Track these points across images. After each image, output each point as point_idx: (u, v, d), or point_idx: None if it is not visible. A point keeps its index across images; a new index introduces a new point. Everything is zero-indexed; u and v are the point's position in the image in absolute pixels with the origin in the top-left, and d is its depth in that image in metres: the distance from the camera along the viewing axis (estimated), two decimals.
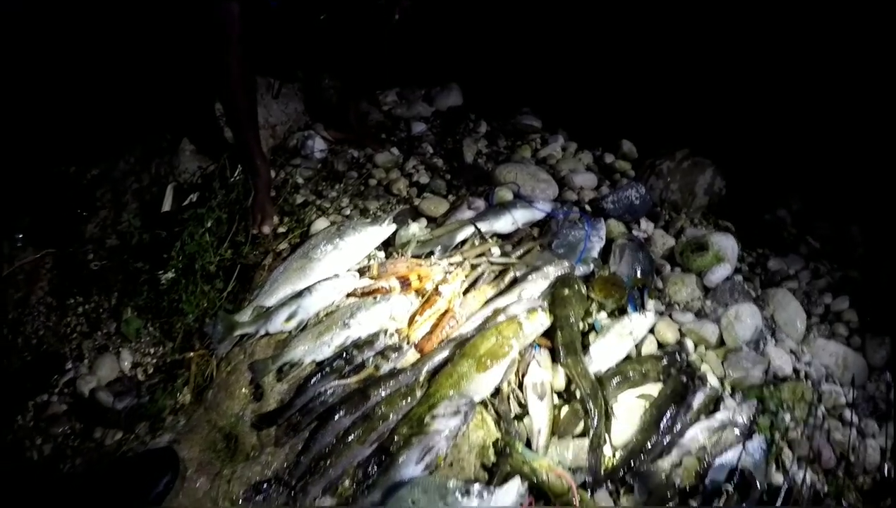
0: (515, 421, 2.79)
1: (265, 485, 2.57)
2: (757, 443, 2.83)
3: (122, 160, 4.37)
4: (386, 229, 3.49)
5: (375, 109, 5.10)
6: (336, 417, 2.71)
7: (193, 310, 3.32)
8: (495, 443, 2.69)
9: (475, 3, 5.32)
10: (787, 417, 3.04)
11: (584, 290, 3.27)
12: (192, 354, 3.14)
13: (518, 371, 2.92)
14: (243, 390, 2.94)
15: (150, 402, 3.02)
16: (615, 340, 3.09)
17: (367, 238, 3.44)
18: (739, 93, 4.66)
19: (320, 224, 3.69)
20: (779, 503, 2.56)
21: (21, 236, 3.93)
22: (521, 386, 2.88)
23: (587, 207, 4.05)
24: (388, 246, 3.59)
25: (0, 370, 3.34)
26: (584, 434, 2.75)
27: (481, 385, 2.78)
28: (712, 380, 3.12)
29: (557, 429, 2.76)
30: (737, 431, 2.86)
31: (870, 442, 3.03)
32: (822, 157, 4.28)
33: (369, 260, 3.46)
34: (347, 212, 3.89)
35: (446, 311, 3.11)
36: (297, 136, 4.52)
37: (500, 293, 3.24)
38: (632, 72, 5.02)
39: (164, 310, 3.41)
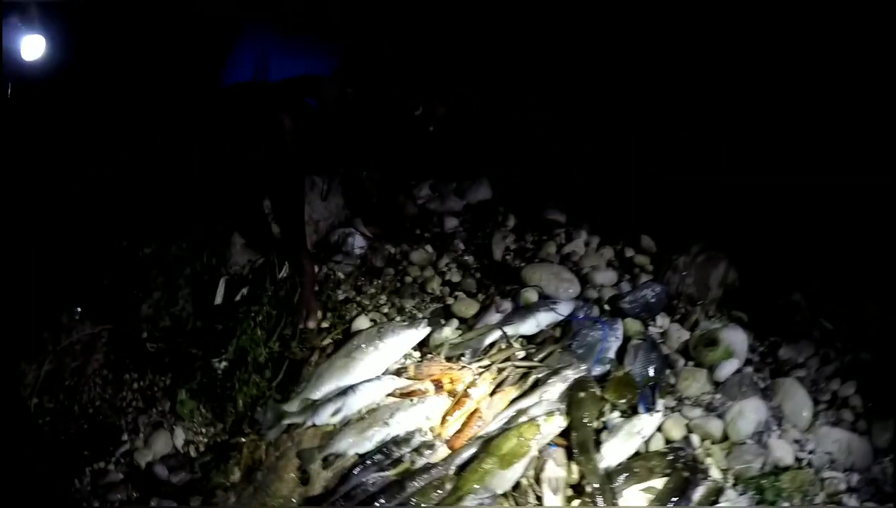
0: None
1: None
2: None
3: (175, 244, 4.69)
4: (421, 332, 3.86)
5: (410, 202, 5.40)
6: (377, 505, 3.05)
7: (245, 398, 3.65)
8: None
9: (504, 102, 5.51)
10: (786, 505, 3.25)
11: (598, 392, 3.57)
12: (244, 439, 3.48)
13: (536, 467, 3.23)
14: (291, 474, 3.29)
15: (204, 479, 3.37)
16: (624, 439, 3.38)
17: (404, 340, 3.80)
18: (752, 183, 4.75)
19: (361, 321, 4.07)
20: None
21: (79, 310, 4.20)
22: (538, 480, 3.19)
23: (606, 306, 4.35)
24: (423, 345, 3.94)
25: (58, 435, 3.60)
26: None
27: (503, 480, 3.12)
28: (715, 473, 3.36)
29: None
30: None
31: None
32: (838, 239, 4.35)
33: (406, 359, 3.82)
34: (385, 310, 4.24)
35: (475, 411, 3.46)
36: (338, 233, 4.89)
37: (523, 394, 3.58)
38: (647, 166, 5.17)
39: (216, 395, 3.75)
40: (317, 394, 3.62)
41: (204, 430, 3.72)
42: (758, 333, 4.32)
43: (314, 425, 3.50)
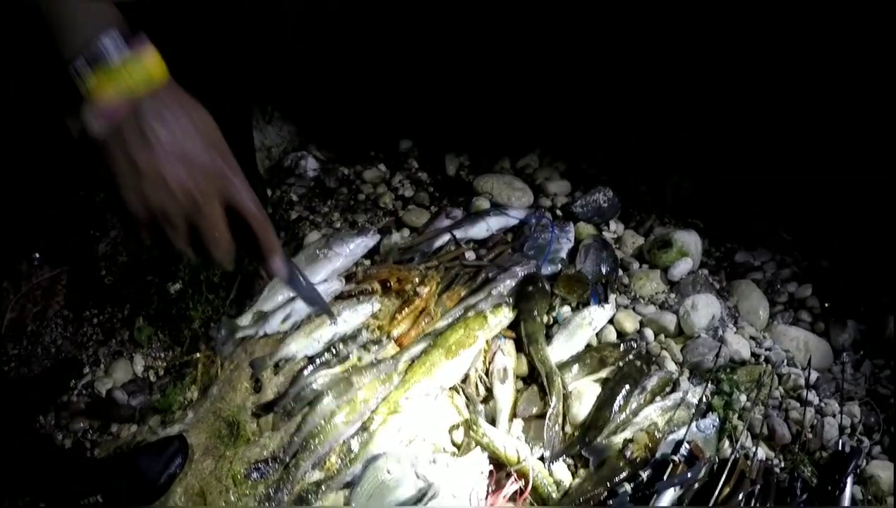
0: (481, 404, 3.10)
1: (263, 463, 2.90)
2: (709, 421, 3.07)
3: None
4: (370, 239, 3.80)
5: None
6: (324, 402, 3.04)
7: (199, 317, 3.62)
8: (463, 422, 3.01)
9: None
10: (743, 398, 3.27)
11: (547, 287, 3.56)
12: (198, 355, 3.47)
13: (485, 359, 3.23)
14: (245, 384, 3.26)
15: (162, 398, 3.33)
16: (575, 330, 3.38)
17: (353, 247, 3.74)
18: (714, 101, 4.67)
19: (313, 237, 4.02)
20: (724, 472, 2.75)
21: (38, 256, 4.15)
22: (487, 373, 3.19)
23: (559, 212, 4.34)
24: (373, 254, 3.91)
25: (23, 377, 3.58)
26: (542, 415, 3.03)
27: (450, 372, 3.11)
28: (670, 366, 3.39)
29: (518, 410, 3.06)
30: (690, 410, 3.09)
31: (829, 420, 3.23)
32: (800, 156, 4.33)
33: (356, 267, 3.76)
34: (338, 226, 4.20)
35: (423, 310, 3.43)
36: (290, 157, 4.82)
37: (472, 292, 3.55)
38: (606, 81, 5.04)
39: (172, 318, 3.70)
40: (268, 306, 3.56)
41: (162, 355, 3.67)
42: (713, 239, 4.36)
43: (266, 334, 3.46)
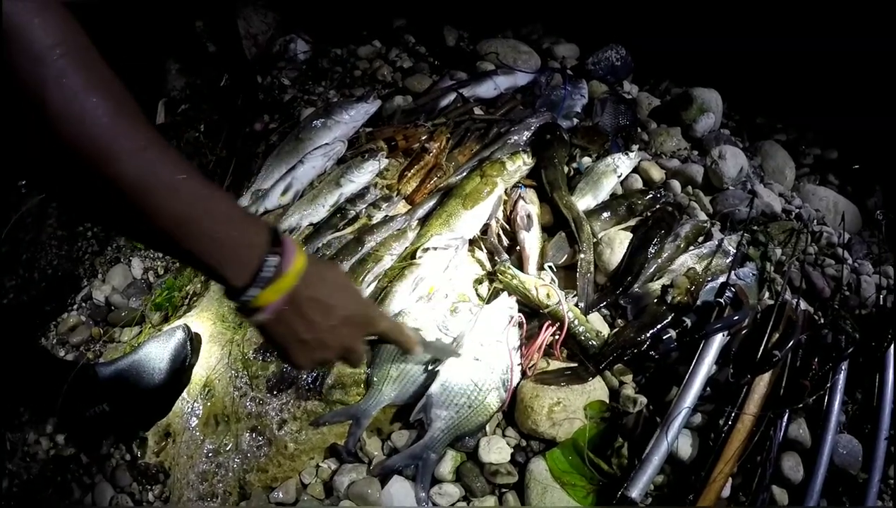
0: (505, 254, 2.84)
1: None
2: (748, 269, 2.89)
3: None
4: (371, 104, 3.56)
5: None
6: (336, 265, 2.77)
7: None
8: (488, 273, 2.77)
9: None
10: (779, 251, 3.10)
11: (566, 136, 3.32)
12: None
13: (506, 210, 2.98)
14: None
15: (162, 292, 3.12)
16: (599, 178, 3.15)
17: (354, 114, 3.50)
18: None
19: (309, 112, 3.73)
20: (772, 319, 2.55)
21: (24, 183, 3.96)
22: (509, 222, 2.94)
23: (570, 72, 4.09)
24: (376, 122, 3.65)
25: (21, 304, 3.39)
26: (573, 265, 2.80)
27: (469, 221, 2.86)
28: (701, 216, 3.18)
29: (546, 257, 2.80)
30: (727, 259, 2.89)
31: (865, 278, 3.10)
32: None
33: (359, 132, 3.52)
34: (337, 100, 3.93)
35: (434, 166, 3.18)
36: (278, 41, 4.54)
37: (486, 146, 3.30)
38: None
39: None
40: (268, 183, 3.35)
41: (161, 253, 3.46)
42: (733, 103, 4.16)
43: (266, 211, 3.21)
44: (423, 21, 4.77)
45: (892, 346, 2.65)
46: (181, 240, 1.15)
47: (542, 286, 2.55)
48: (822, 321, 2.85)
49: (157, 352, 2.62)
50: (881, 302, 2.88)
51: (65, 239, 3.59)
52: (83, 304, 3.27)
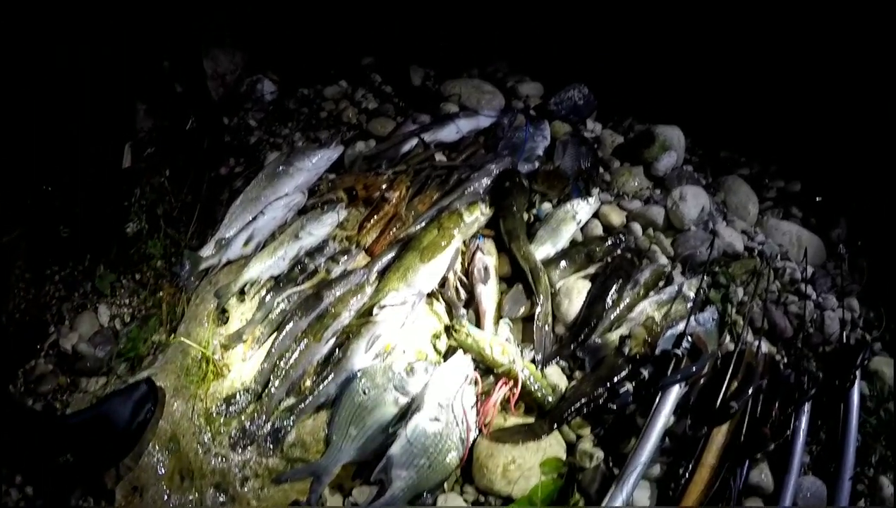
0: (463, 308, 2.85)
1: (235, 396, 2.68)
2: (708, 314, 2.91)
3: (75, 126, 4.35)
4: (334, 151, 3.54)
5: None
6: (293, 322, 2.81)
7: (160, 254, 3.40)
8: (444, 328, 2.77)
9: None
10: (740, 292, 3.11)
11: (525, 182, 3.33)
12: (161, 293, 3.22)
13: (464, 261, 2.99)
14: (211, 317, 3.01)
15: (127, 344, 3.10)
16: (558, 225, 3.15)
17: (316, 161, 3.48)
18: None
19: (274, 157, 3.73)
20: (731, 366, 2.58)
21: None
22: (467, 274, 2.94)
23: (532, 113, 4.09)
24: (338, 168, 3.65)
25: None
26: (531, 317, 2.81)
27: (427, 275, 2.87)
28: (662, 260, 3.19)
29: (503, 311, 2.81)
30: (687, 304, 2.90)
31: (828, 314, 3.10)
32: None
33: (321, 181, 3.51)
34: (300, 144, 3.93)
35: (393, 215, 3.18)
36: (245, 81, 4.53)
37: (446, 194, 3.30)
38: None
39: (133, 260, 3.48)
40: (231, 231, 3.33)
41: (127, 300, 3.45)
42: (696, 138, 4.15)
43: (229, 261, 3.21)
44: (391, 59, 4.77)
45: (856, 385, 2.67)
46: None
47: (497, 344, 2.55)
48: (786, 360, 2.89)
49: (119, 406, 2.62)
50: (844, 339, 2.89)
51: (32, 281, 3.56)
52: (50, 352, 3.24)
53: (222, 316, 3.02)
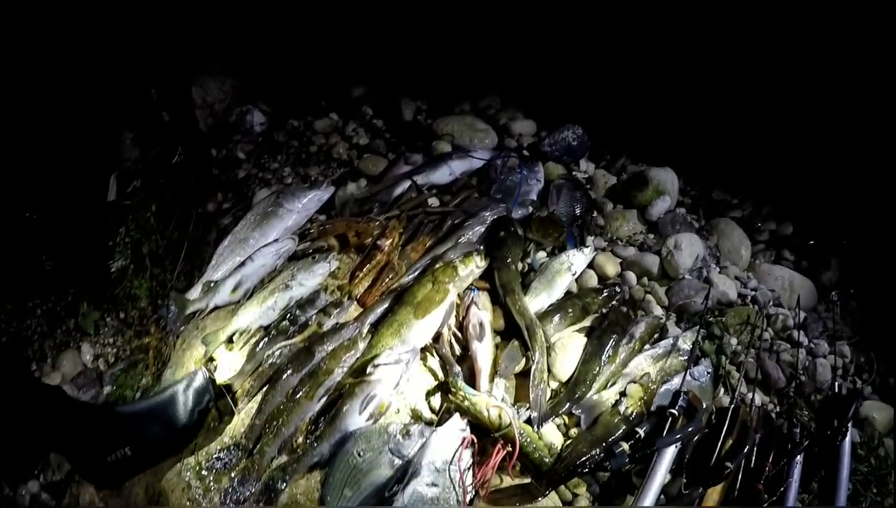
0: (458, 364, 2.79)
1: (225, 453, 2.61)
2: (703, 368, 2.88)
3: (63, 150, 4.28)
4: (324, 192, 3.49)
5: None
6: (284, 377, 2.75)
7: (146, 294, 3.34)
8: (439, 386, 2.72)
9: None
10: (734, 341, 3.10)
11: (520, 231, 3.28)
12: (147, 339, 3.16)
13: (458, 315, 2.94)
14: (198, 365, 2.93)
15: (114, 389, 3.06)
16: (553, 276, 3.11)
17: (306, 202, 3.43)
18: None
19: (262, 194, 3.68)
20: (726, 424, 2.58)
21: None
22: (462, 329, 2.89)
23: (525, 152, 4.05)
24: (329, 209, 3.60)
25: None
26: (526, 372, 2.76)
27: (421, 331, 2.81)
28: (656, 310, 3.17)
29: (499, 369, 2.77)
30: (682, 357, 2.88)
31: (820, 362, 3.10)
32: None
33: (310, 223, 3.45)
34: (289, 181, 3.90)
35: (386, 264, 3.14)
36: (235, 112, 4.48)
37: (439, 241, 3.25)
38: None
39: (118, 299, 3.41)
40: (218, 274, 3.27)
41: (111, 340, 3.39)
42: (689, 177, 4.14)
43: (217, 307, 3.15)
44: (382, 91, 4.74)
45: (847, 436, 2.66)
46: None
47: (494, 407, 2.51)
48: (778, 410, 2.90)
49: (180, 395, 2.68)
50: (836, 389, 2.88)
51: (14, 314, 3.49)
52: None
53: (209, 364, 2.95)
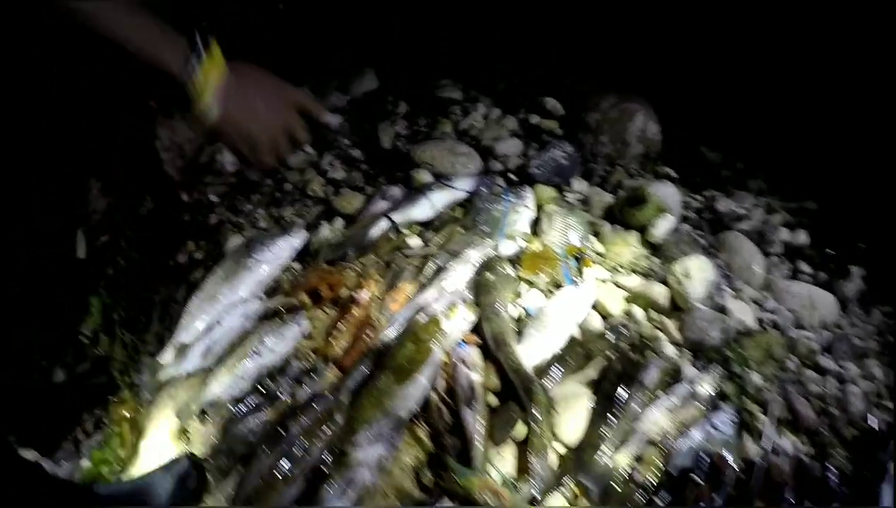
0: (448, 435, 2.52)
1: None
2: (725, 416, 2.61)
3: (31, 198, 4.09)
4: (296, 238, 3.27)
5: None
6: (259, 458, 2.48)
7: (120, 361, 3.14)
8: (429, 461, 2.47)
9: None
10: (756, 377, 2.82)
11: (509, 271, 3.02)
12: (121, 412, 2.92)
13: (445, 376, 2.65)
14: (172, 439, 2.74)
15: (91, 469, 2.80)
16: (550, 322, 2.83)
17: (277, 252, 3.21)
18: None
19: (235, 242, 3.49)
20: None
21: None
22: (450, 393, 2.60)
23: (512, 176, 3.80)
24: (304, 255, 3.37)
25: None
26: (526, 437, 2.49)
27: (404, 398, 2.53)
28: (668, 349, 2.90)
29: (494, 436, 2.48)
30: (700, 405, 2.63)
31: (851, 388, 2.83)
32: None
33: (285, 273, 3.24)
34: (263, 225, 3.69)
35: (364, 319, 2.87)
36: (206, 152, 4.25)
37: (421, 288, 2.99)
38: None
39: (88, 370, 3.18)
40: (189, 336, 3.02)
41: (85, 415, 3.14)
42: (690, 187, 3.90)
43: (189, 374, 2.90)
44: (358, 115, 4.58)
45: (886, 480, 2.42)
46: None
47: (491, 488, 2.23)
48: (812, 453, 2.61)
49: (160, 480, 2.45)
50: (869, 423, 2.66)
51: None
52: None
53: (184, 437, 2.73)
